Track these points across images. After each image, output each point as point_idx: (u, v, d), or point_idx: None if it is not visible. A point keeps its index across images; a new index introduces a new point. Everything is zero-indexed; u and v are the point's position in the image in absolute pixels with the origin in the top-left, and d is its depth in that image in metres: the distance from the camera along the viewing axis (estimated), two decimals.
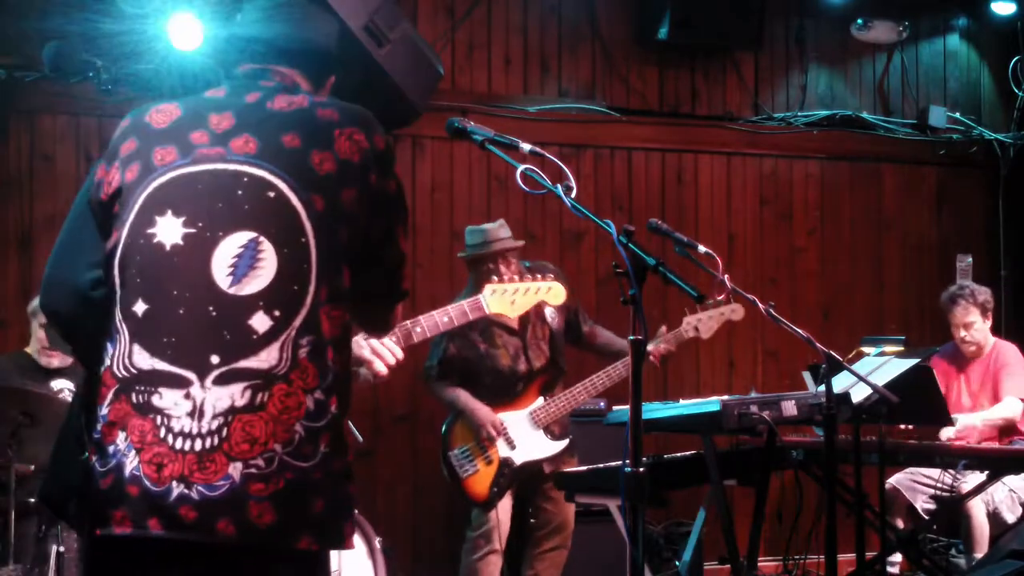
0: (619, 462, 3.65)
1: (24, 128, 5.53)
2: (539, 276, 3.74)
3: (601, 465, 4.31)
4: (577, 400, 4.72)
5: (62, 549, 4.01)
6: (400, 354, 2.42)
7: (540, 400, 4.73)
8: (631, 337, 2.34)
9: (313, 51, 2.21)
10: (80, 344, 2.16)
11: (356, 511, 2.10)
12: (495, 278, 4.62)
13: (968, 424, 5.17)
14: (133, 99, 5.30)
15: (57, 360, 4.68)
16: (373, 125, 2.10)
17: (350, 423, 4.71)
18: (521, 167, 2.49)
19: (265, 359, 1.93)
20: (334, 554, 4.33)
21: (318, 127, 2.05)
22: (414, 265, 6.06)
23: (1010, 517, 5.26)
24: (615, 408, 4.73)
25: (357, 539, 4.50)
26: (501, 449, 4.67)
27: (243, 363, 1.92)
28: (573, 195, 2.47)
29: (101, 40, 5.06)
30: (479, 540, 4.73)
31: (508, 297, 3.62)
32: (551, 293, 3.87)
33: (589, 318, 5.05)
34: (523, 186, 2.56)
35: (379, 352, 2.39)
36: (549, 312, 4.79)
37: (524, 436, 4.69)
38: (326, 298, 1.99)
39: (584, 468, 4.44)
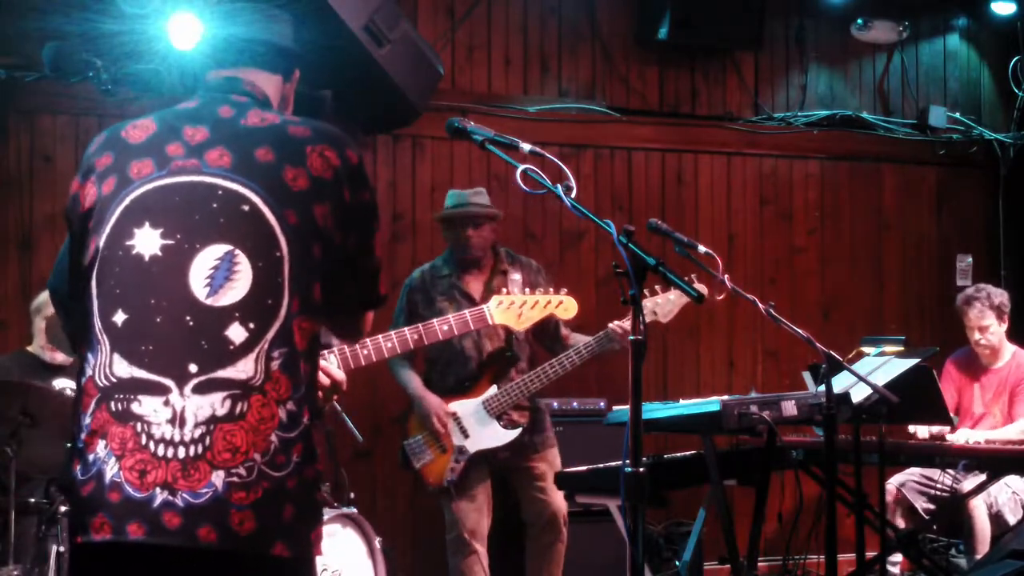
0: (619, 462, 3.64)
1: (24, 128, 5.52)
2: (550, 289, 3.72)
3: (601, 465, 4.31)
4: (530, 388, 4.66)
5: (62, 549, 3.99)
6: (340, 376, 2.29)
7: (493, 388, 4.70)
8: (631, 337, 2.35)
9: (271, 48, 2.25)
10: (76, 324, 2.14)
11: (324, 518, 2.09)
12: (464, 242, 4.69)
13: (971, 441, 5.10)
14: (133, 99, 5.30)
15: (60, 356, 4.68)
16: (343, 141, 2.14)
17: (350, 423, 4.78)
18: (521, 167, 2.50)
19: (242, 370, 1.97)
20: (334, 554, 4.36)
21: (290, 143, 2.09)
22: (414, 264, 6.05)
23: (1012, 519, 5.23)
24: (615, 408, 4.72)
25: (357, 539, 4.50)
26: (455, 437, 4.67)
27: (221, 373, 1.96)
28: (573, 195, 2.47)
29: (101, 40, 5.04)
30: (456, 542, 4.76)
31: (515, 310, 3.60)
32: (561, 307, 3.82)
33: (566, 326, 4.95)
34: (523, 186, 2.56)
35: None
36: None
37: (477, 425, 4.69)
38: (298, 310, 2.02)
39: (584, 468, 4.43)
